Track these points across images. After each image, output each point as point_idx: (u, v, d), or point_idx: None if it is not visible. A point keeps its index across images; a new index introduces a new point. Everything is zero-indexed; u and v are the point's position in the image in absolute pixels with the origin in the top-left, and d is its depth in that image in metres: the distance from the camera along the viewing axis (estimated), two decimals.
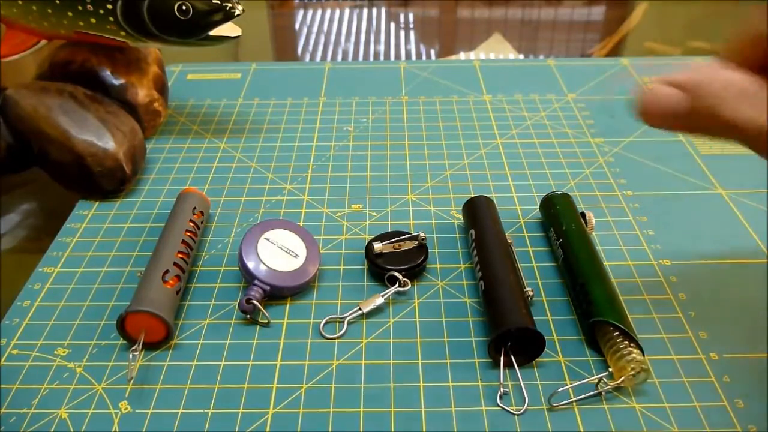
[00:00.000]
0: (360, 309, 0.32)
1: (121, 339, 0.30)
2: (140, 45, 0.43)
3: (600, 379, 0.28)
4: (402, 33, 0.73)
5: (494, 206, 0.37)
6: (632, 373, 0.27)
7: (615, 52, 0.67)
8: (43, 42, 0.44)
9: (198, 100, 0.52)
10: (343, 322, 0.32)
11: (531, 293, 0.32)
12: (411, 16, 0.79)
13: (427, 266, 0.35)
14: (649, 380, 0.28)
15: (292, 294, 0.33)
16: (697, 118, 0.27)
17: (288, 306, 0.33)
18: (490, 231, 0.34)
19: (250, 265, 0.32)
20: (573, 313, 0.32)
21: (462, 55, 0.67)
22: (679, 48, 0.65)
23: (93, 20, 0.41)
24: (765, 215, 0.38)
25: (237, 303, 0.32)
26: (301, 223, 0.38)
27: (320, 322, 0.32)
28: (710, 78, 0.27)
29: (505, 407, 0.27)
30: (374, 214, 0.39)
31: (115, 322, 0.30)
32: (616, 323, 0.29)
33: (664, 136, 0.46)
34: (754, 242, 0.36)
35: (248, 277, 0.32)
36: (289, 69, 0.58)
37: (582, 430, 0.27)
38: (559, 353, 0.30)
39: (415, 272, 0.34)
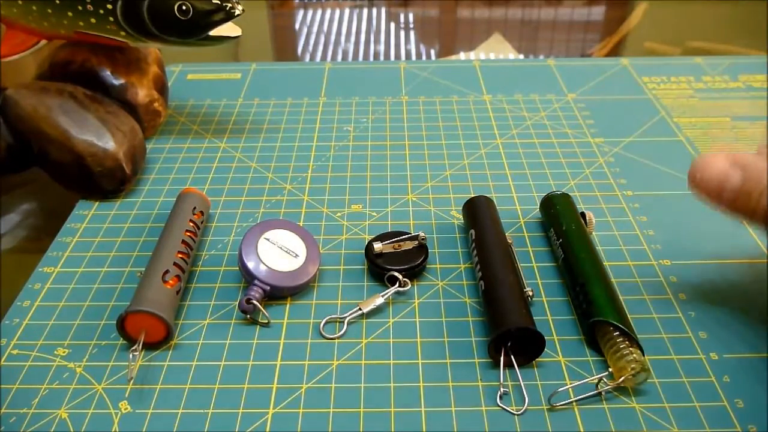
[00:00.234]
0: (360, 309, 0.32)
1: (121, 339, 0.30)
2: (140, 45, 0.43)
3: (600, 379, 0.28)
4: (402, 33, 0.73)
5: (494, 206, 0.37)
6: (632, 373, 0.27)
7: (615, 52, 0.67)
8: (43, 42, 0.44)
9: (198, 100, 0.52)
10: (343, 322, 0.32)
11: (531, 293, 0.32)
12: (411, 16, 0.79)
13: (427, 266, 0.35)
14: (649, 380, 0.28)
15: (292, 294, 0.33)
16: (743, 199, 0.27)
17: (288, 306, 0.33)
18: (490, 231, 0.34)
19: (250, 265, 0.32)
20: (573, 313, 0.32)
21: (462, 55, 0.67)
22: (679, 48, 0.65)
23: (93, 20, 0.41)
24: None
25: (237, 303, 0.32)
26: (301, 223, 0.38)
27: (320, 322, 0.32)
28: (764, 162, 0.26)
29: (505, 407, 0.27)
30: (374, 214, 0.39)
31: (115, 322, 0.30)
32: (616, 323, 0.29)
33: (664, 136, 0.46)
34: (754, 242, 0.36)
35: (248, 277, 0.32)
36: (289, 69, 0.58)
37: (582, 430, 0.27)
38: (559, 353, 0.30)
39: (415, 272, 0.34)
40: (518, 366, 0.29)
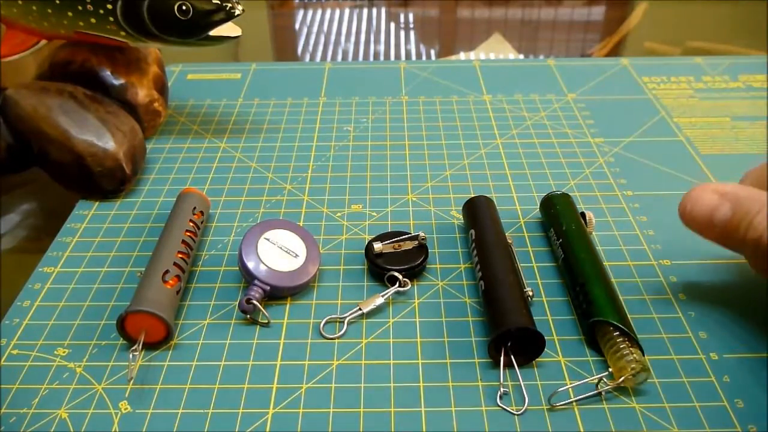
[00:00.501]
0: (360, 309, 0.32)
1: (121, 339, 0.30)
2: (140, 45, 0.43)
3: (600, 379, 0.28)
4: (402, 33, 0.73)
5: (494, 206, 0.37)
6: (632, 373, 0.27)
7: (615, 52, 0.67)
8: (43, 42, 0.44)
9: (198, 100, 0.52)
10: (343, 322, 0.32)
11: (531, 293, 0.32)
12: (411, 16, 0.79)
13: (427, 266, 0.35)
14: (649, 380, 0.28)
15: (292, 294, 0.33)
16: (732, 231, 0.28)
17: (288, 306, 0.33)
18: (490, 231, 0.34)
19: (250, 265, 0.32)
20: (573, 313, 0.32)
21: (462, 55, 0.67)
22: (679, 48, 0.65)
23: (93, 20, 0.41)
24: None
25: (237, 303, 0.32)
26: (301, 223, 0.38)
27: (320, 322, 0.32)
28: (754, 194, 0.27)
29: (505, 407, 0.27)
30: (374, 214, 0.39)
31: (115, 322, 0.30)
32: (616, 323, 0.29)
33: (664, 136, 0.46)
34: None
35: (248, 277, 0.32)
36: (289, 69, 0.58)
37: (582, 430, 0.27)
38: (559, 353, 0.30)
39: (415, 272, 0.34)
40: (518, 366, 0.29)
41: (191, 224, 0.35)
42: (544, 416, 0.27)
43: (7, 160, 0.40)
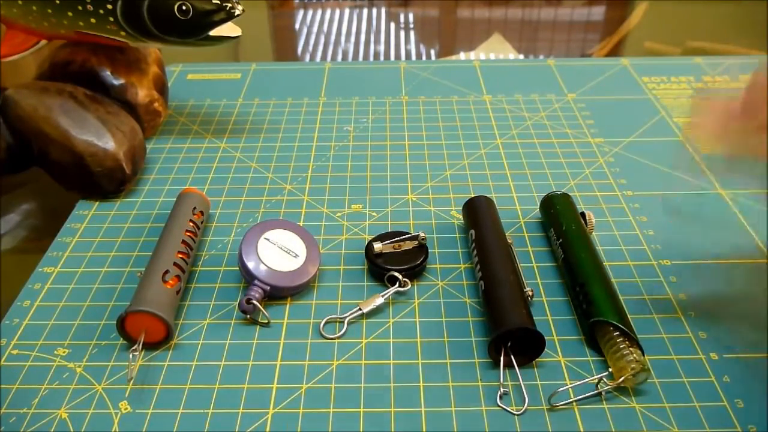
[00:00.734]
0: (360, 309, 0.32)
1: (121, 339, 0.30)
2: (140, 45, 0.43)
3: (600, 379, 0.28)
4: (402, 33, 0.73)
5: (494, 206, 0.37)
6: (632, 373, 0.27)
7: (615, 52, 0.67)
8: (43, 42, 0.44)
9: (198, 100, 0.52)
10: (343, 322, 0.32)
11: (531, 293, 0.32)
12: (411, 16, 0.79)
13: (427, 266, 0.35)
14: (649, 380, 0.28)
15: (292, 294, 0.33)
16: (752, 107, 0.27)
17: (288, 306, 0.33)
18: (490, 231, 0.34)
19: (250, 265, 0.32)
20: (573, 313, 0.32)
21: (462, 55, 0.67)
22: (679, 48, 0.65)
23: (93, 20, 0.41)
24: (765, 215, 0.38)
25: (237, 303, 0.32)
26: (301, 223, 0.38)
27: (320, 322, 0.32)
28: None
29: (505, 407, 0.27)
30: (374, 214, 0.39)
31: (115, 322, 0.30)
32: (616, 323, 0.29)
33: (665, 136, 0.46)
34: (754, 242, 0.36)
35: (248, 277, 0.32)
36: (289, 69, 0.58)
37: (582, 430, 0.27)
38: (559, 353, 0.30)
39: (415, 272, 0.34)
40: (518, 366, 0.29)
41: (191, 224, 0.35)
42: (544, 416, 0.27)
43: (7, 160, 0.40)
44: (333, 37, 0.73)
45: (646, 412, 0.27)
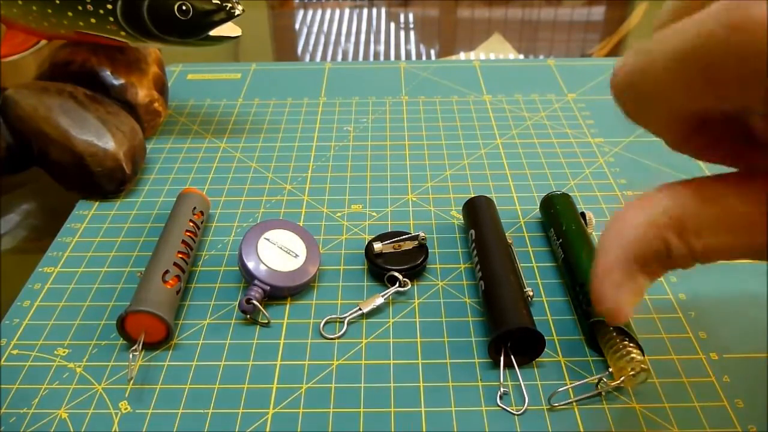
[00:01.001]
0: (360, 309, 0.32)
1: (121, 339, 0.30)
2: (140, 45, 0.43)
3: (600, 379, 0.28)
4: (402, 33, 0.73)
5: (494, 206, 0.37)
6: (632, 373, 0.27)
7: (615, 52, 0.67)
8: (43, 42, 0.44)
9: (198, 100, 0.52)
10: (343, 322, 0.32)
11: (531, 293, 0.32)
12: (411, 16, 0.79)
13: (427, 266, 0.35)
14: (649, 380, 0.28)
15: (292, 294, 0.33)
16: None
17: (288, 306, 0.33)
18: (490, 231, 0.34)
19: (250, 265, 0.32)
20: (573, 313, 0.32)
21: (462, 55, 0.67)
22: None
23: (93, 20, 0.41)
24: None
25: (237, 303, 0.32)
26: (301, 223, 0.38)
27: (320, 322, 0.32)
28: None
29: (505, 407, 0.27)
30: (374, 214, 0.39)
31: (115, 322, 0.30)
32: None
33: None
34: None
35: (248, 277, 0.32)
36: (289, 69, 0.58)
37: (582, 430, 0.27)
38: (559, 353, 0.30)
39: (415, 272, 0.34)
40: (518, 366, 0.29)
41: (191, 224, 0.35)
42: (544, 416, 0.27)
43: (7, 160, 0.40)
44: (333, 37, 0.73)
45: (646, 412, 0.27)
